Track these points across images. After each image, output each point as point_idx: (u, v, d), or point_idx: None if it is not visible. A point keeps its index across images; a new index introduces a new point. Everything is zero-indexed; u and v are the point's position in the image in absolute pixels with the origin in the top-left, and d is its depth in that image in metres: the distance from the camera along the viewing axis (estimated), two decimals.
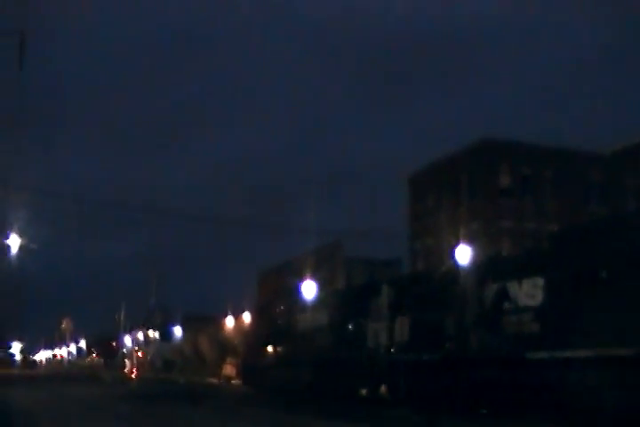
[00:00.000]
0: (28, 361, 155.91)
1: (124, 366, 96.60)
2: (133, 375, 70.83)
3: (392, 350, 27.64)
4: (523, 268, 21.19)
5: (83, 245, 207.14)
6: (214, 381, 60.65)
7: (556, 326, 19.13)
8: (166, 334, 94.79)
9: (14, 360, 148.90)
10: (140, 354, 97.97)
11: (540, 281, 19.94)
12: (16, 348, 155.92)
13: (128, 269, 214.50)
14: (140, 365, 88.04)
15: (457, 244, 43.66)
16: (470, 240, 43.76)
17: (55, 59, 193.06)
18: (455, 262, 29.49)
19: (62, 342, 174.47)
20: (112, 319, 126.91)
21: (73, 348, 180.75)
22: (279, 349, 41.22)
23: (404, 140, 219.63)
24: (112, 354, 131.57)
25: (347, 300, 33.94)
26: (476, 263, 26.11)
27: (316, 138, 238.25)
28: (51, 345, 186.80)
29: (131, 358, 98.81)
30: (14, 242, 43.17)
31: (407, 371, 26.08)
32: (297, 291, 48.80)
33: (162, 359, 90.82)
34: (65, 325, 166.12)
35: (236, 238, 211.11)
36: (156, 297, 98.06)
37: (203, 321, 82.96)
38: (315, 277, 54.69)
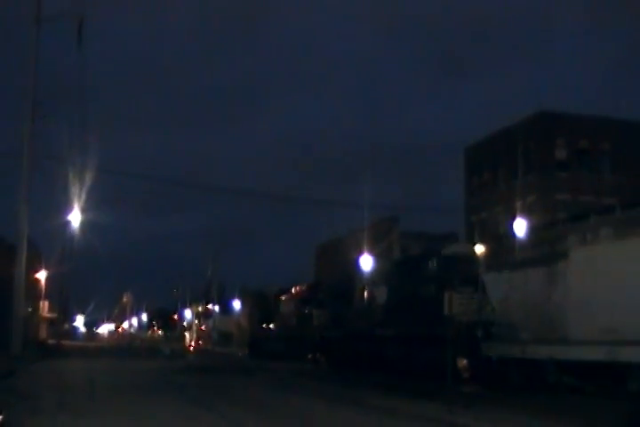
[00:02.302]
0: (90, 334, 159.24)
1: (184, 339, 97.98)
2: (191, 348, 71.79)
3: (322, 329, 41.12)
4: (379, 280, 34.31)
5: (142, 222, 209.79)
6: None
7: (388, 316, 31.19)
8: (225, 308, 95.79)
9: (78, 333, 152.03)
10: (199, 327, 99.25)
11: (385, 289, 32.55)
12: (79, 321, 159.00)
13: (187, 245, 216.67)
14: (198, 338, 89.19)
15: (513, 217, 43.53)
16: (526, 213, 43.55)
17: (113, 33, 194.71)
18: (513, 235, 30.84)
19: (124, 315, 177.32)
20: (171, 293, 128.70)
21: (134, 321, 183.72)
22: (269, 326, 55.52)
23: (463, 115, 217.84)
24: (172, 327, 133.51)
25: (305, 295, 48.14)
26: (360, 274, 39.46)
27: (374, 113, 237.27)
28: (112, 318, 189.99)
29: (190, 332, 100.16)
30: (76, 219, 43.99)
31: (328, 343, 39.68)
32: (354, 265, 49.49)
33: (218, 333, 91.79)
34: (126, 299, 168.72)
35: (294, 214, 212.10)
36: (213, 272, 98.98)
37: (280, 292, 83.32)
38: (371, 251, 54.89)
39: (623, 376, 17.92)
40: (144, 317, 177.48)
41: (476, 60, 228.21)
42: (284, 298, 53.03)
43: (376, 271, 37.24)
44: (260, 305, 60.44)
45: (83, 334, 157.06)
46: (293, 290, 52.56)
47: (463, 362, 24.90)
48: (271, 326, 54.79)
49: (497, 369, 22.89)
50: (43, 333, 77.22)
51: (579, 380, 19.90)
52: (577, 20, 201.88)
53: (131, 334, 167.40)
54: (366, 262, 50.65)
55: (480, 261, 26.60)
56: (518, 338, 21.50)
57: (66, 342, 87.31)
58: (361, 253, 54.39)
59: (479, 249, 27.02)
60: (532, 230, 30.47)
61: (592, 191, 51.33)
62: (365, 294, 35.43)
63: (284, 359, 45.83)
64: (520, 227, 38.25)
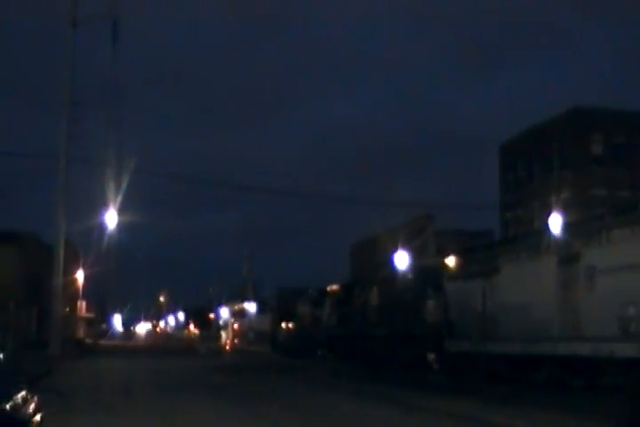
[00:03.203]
0: (127, 333, 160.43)
1: (220, 338, 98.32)
2: (228, 347, 72.07)
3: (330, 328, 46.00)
4: (370, 284, 38.64)
5: (178, 221, 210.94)
6: None
7: (380, 317, 35.37)
8: (261, 307, 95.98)
9: (115, 332, 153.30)
10: (235, 326, 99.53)
11: (377, 292, 36.68)
12: (117, 320, 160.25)
13: (223, 244, 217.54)
14: (234, 337, 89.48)
15: (548, 213, 43.20)
16: (562, 209, 43.22)
17: (145, 34, 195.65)
18: (549, 231, 31.84)
19: (160, 314, 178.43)
20: (207, 292, 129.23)
21: (171, 320, 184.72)
22: (288, 325, 60.83)
23: (498, 110, 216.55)
24: (208, 326, 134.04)
25: (316, 298, 53.26)
26: (354, 281, 45.44)
27: (408, 108, 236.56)
28: (149, 317, 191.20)
29: (226, 331, 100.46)
30: (112, 219, 44.26)
31: (333, 341, 43.94)
32: (389, 263, 49.62)
33: (254, 332, 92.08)
34: (162, 298, 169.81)
35: (330, 212, 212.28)
36: (248, 270, 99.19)
37: (296, 294, 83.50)
38: (406, 249, 54.75)
39: (538, 367, 22.34)
40: (180, 315, 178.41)
41: (508, 56, 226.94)
42: (299, 300, 58.97)
43: (370, 279, 42.73)
44: (281, 306, 66.39)
45: (120, 333, 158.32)
46: (309, 292, 57.99)
47: (432, 356, 30.24)
48: (290, 325, 60.48)
49: (456, 362, 27.99)
50: (80, 332, 77.89)
51: (510, 370, 24.60)
52: (608, 13, 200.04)
53: (167, 332, 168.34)
54: (401, 260, 50.71)
55: (445, 271, 30.79)
56: (469, 336, 26.43)
57: (103, 342, 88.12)
58: (395, 251, 54.35)
59: (450, 261, 31.22)
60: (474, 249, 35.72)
61: (628, 186, 50.84)
62: (363, 298, 40.19)
63: (300, 356, 51.46)
64: (555, 223, 37.95)
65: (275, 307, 71.18)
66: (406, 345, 31.65)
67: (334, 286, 49.59)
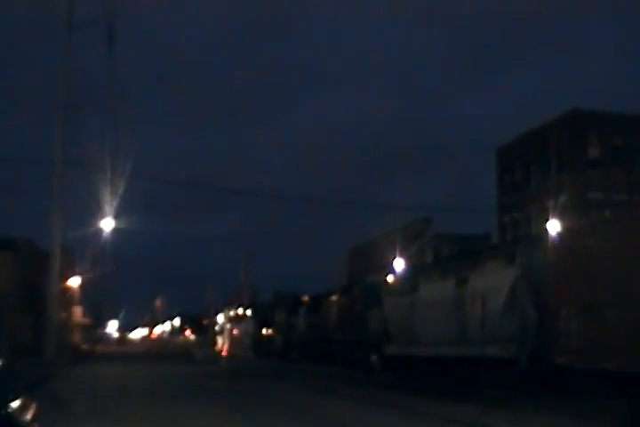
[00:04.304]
0: (122, 339, 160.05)
1: (216, 344, 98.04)
2: (224, 353, 71.84)
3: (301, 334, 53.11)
4: (332, 296, 46.19)
5: (174, 227, 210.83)
6: None
7: (338, 325, 43.06)
8: (257, 313, 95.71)
9: (111, 338, 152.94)
10: (231, 332, 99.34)
11: (336, 303, 43.84)
12: (112, 326, 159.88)
13: (220, 249, 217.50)
14: (231, 342, 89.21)
15: (546, 217, 43.11)
16: (559, 213, 43.12)
17: (141, 36, 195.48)
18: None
19: (156, 320, 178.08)
20: (203, 298, 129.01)
21: (167, 325, 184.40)
22: (268, 331, 67.59)
23: (497, 113, 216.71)
24: (204, 331, 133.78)
25: (291, 307, 59.40)
26: (321, 292, 52.36)
27: (406, 111, 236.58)
28: (145, 323, 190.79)
29: (222, 336, 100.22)
30: (108, 225, 43.99)
31: (304, 345, 51.82)
32: (387, 268, 49.64)
33: (251, 337, 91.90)
34: (158, 303, 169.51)
35: (327, 215, 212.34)
36: (244, 276, 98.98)
37: (275, 303, 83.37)
38: (404, 253, 54.69)
39: (446, 366, 27.12)
40: (177, 321, 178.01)
41: (508, 59, 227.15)
42: (277, 308, 65.29)
43: (332, 291, 48.70)
44: (261, 314, 73.98)
45: (116, 339, 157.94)
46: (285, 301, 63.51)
47: (374, 358, 35.17)
48: (270, 331, 66.95)
49: (391, 362, 32.93)
50: (76, 338, 77.62)
51: (429, 369, 29.12)
52: (609, 16, 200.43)
53: (163, 338, 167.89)
54: (399, 264, 50.67)
55: (385, 287, 36.04)
56: (399, 342, 31.55)
57: (99, 348, 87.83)
58: (392, 255, 54.32)
59: (389, 279, 38.75)
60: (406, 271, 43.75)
61: (625, 189, 50.72)
62: (327, 308, 46.58)
63: (277, 358, 57.92)
64: (553, 227, 37.91)
65: (257, 314, 79.05)
66: (357, 349, 38.29)
67: (306, 297, 56.05)
